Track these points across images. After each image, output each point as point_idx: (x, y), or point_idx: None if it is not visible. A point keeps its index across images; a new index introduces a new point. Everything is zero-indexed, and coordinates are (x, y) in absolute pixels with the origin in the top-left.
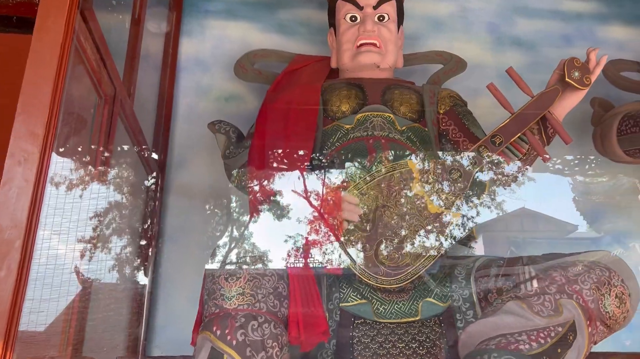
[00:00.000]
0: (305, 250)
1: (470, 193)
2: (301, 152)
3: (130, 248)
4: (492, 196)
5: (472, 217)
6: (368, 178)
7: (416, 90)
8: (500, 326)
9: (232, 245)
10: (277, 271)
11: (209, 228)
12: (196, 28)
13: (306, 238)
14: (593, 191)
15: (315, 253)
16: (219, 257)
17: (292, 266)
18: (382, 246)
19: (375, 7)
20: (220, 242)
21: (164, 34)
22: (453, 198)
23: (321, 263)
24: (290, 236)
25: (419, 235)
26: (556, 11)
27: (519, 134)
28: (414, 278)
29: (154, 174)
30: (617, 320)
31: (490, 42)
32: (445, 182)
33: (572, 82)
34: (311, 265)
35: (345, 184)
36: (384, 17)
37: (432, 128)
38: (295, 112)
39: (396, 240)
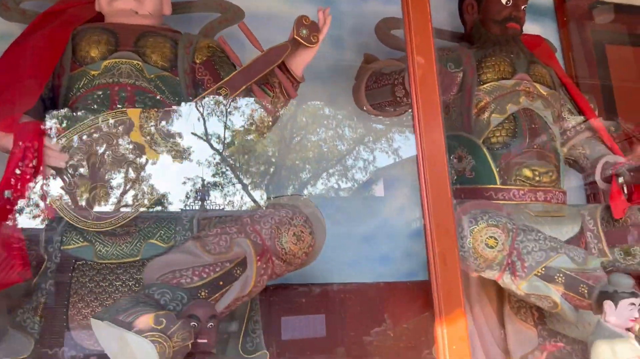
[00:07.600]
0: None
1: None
2: (28, 96)
3: None
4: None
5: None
6: (83, 126)
7: (173, 38)
8: (171, 262)
9: None
10: None
11: None
12: None
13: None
14: None
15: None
16: None
17: None
18: (95, 193)
19: None
20: None
21: None
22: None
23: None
24: None
25: (134, 181)
26: None
27: (244, 87)
28: (125, 221)
29: None
30: (296, 255)
31: None
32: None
33: (300, 40)
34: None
35: (59, 131)
36: None
37: (184, 77)
38: (36, 54)
39: (110, 186)
